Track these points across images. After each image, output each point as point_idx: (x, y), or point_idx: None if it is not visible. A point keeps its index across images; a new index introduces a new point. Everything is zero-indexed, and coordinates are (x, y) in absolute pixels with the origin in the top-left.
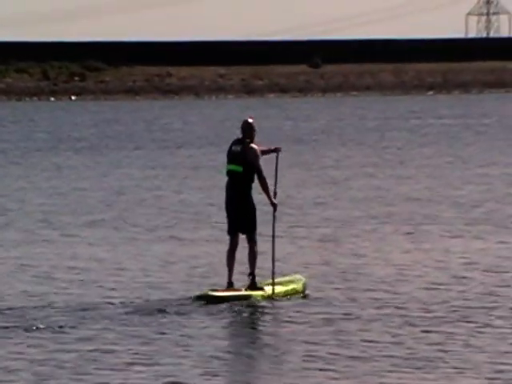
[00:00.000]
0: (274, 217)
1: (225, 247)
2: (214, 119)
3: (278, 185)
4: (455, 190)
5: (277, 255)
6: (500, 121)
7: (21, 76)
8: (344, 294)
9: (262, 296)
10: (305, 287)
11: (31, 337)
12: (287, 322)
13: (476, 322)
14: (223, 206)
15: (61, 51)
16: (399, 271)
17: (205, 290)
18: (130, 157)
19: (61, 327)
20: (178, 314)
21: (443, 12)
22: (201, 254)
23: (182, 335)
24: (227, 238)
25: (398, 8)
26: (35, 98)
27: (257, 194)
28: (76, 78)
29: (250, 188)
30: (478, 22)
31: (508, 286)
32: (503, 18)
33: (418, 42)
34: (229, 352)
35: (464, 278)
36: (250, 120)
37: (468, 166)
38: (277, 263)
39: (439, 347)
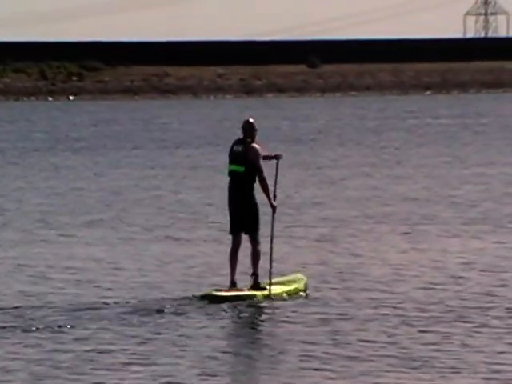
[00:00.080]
0: (273, 218)
1: (222, 247)
2: (213, 119)
3: (277, 186)
4: (452, 189)
5: (274, 255)
6: (498, 120)
7: (19, 76)
8: (341, 294)
9: (266, 296)
10: (306, 286)
11: (28, 337)
12: (284, 321)
13: (472, 322)
14: (221, 205)
15: (59, 51)
16: (396, 271)
17: (208, 290)
18: (128, 157)
19: (58, 327)
20: (175, 313)
21: (441, 12)
22: (198, 253)
23: (179, 335)
24: (226, 237)
25: (396, 8)
26: (33, 98)
27: (258, 194)
28: (74, 78)
29: (252, 188)
30: (476, 22)
31: (505, 286)
32: (501, 18)
33: (416, 42)
34: (226, 352)
35: (461, 277)
36: (251, 120)
37: (465, 165)
38: (274, 263)
39: (435, 347)
